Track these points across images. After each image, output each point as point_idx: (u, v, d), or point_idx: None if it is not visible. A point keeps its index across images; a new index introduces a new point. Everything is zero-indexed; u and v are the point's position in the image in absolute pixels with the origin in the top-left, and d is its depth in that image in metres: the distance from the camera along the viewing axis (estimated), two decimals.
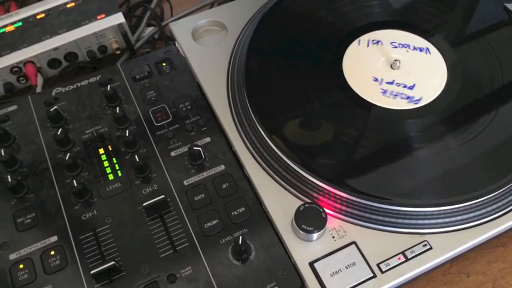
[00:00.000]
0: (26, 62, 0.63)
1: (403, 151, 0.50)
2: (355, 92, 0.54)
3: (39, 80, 0.63)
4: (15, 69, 0.63)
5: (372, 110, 0.53)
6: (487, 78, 0.56)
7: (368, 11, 0.61)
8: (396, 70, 0.56)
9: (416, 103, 0.53)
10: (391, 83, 0.55)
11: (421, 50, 0.58)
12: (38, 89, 0.63)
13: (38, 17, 0.66)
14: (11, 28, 0.66)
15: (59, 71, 0.65)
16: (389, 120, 0.53)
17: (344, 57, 0.58)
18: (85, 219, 0.48)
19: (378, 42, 0.59)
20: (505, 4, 0.61)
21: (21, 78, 0.64)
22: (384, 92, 0.54)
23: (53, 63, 0.65)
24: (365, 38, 0.59)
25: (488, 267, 0.51)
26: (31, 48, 0.63)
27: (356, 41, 0.59)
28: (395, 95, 0.54)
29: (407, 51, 0.58)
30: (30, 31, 0.65)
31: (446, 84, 0.55)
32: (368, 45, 0.58)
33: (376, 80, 0.56)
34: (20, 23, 0.66)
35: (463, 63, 0.57)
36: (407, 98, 0.54)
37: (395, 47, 0.58)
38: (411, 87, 0.55)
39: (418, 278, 0.46)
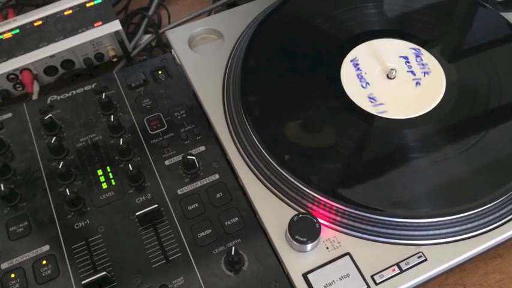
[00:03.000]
0: (23, 69, 0.63)
1: (398, 161, 0.50)
2: (353, 101, 0.54)
3: (36, 88, 0.63)
4: (12, 77, 0.63)
5: (369, 120, 0.53)
6: (484, 87, 0.55)
7: (365, 20, 0.61)
8: (392, 80, 0.56)
9: (391, 115, 0.53)
10: (379, 89, 0.55)
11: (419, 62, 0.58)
12: (34, 97, 0.63)
13: (36, 24, 0.67)
14: (8, 35, 0.66)
15: (56, 78, 0.65)
16: (386, 130, 0.52)
17: (342, 66, 0.57)
18: (78, 229, 0.48)
19: (377, 48, 0.59)
20: (501, 13, 0.61)
21: (18, 85, 0.64)
22: (369, 96, 0.55)
23: (50, 70, 0.65)
24: (363, 45, 0.59)
25: (485, 278, 0.51)
26: (28, 56, 0.63)
27: (354, 48, 0.59)
28: (374, 100, 0.54)
29: (405, 62, 0.58)
30: (27, 38, 0.65)
31: (444, 94, 0.55)
32: (366, 53, 0.58)
33: (367, 82, 0.56)
34: (18, 30, 0.66)
35: (460, 73, 0.56)
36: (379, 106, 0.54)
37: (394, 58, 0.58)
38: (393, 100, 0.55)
39: None
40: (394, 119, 0.53)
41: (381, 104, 0.54)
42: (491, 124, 0.52)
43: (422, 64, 0.57)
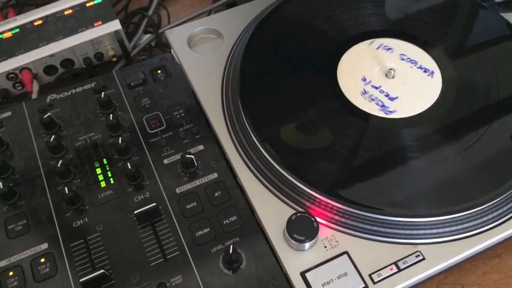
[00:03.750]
0: (22, 69, 0.63)
1: (396, 160, 0.50)
2: (350, 101, 0.54)
3: (35, 87, 0.63)
4: (11, 76, 0.63)
5: (367, 119, 0.53)
6: (482, 87, 0.55)
7: (363, 20, 0.61)
8: (390, 79, 0.56)
9: (387, 114, 0.53)
10: (376, 87, 0.55)
11: (414, 63, 0.58)
12: (34, 96, 0.63)
13: (36, 23, 0.67)
14: (8, 34, 0.66)
15: (55, 77, 0.65)
16: (384, 129, 0.52)
17: (339, 66, 0.57)
18: (76, 227, 0.48)
19: (376, 47, 0.59)
20: (501, 14, 0.61)
21: (17, 84, 0.64)
22: (364, 92, 0.55)
23: (49, 70, 0.65)
24: (361, 45, 0.59)
25: (483, 278, 0.51)
26: (27, 55, 0.63)
27: (352, 48, 0.59)
28: (372, 99, 0.54)
29: (403, 61, 0.58)
30: (27, 37, 0.65)
31: (441, 93, 0.55)
32: (364, 53, 0.58)
33: (364, 79, 0.56)
34: (18, 30, 0.66)
35: (459, 72, 0.56)
36: (382, 106, 0.54)
37: (392, 58, 0.58)
38: (392, 99, 0.55)
39: None
40: (391, 118, 0.53)
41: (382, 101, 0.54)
42: (489, 124, 0.52)
43: (424, 68, 0.57)
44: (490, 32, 0.60)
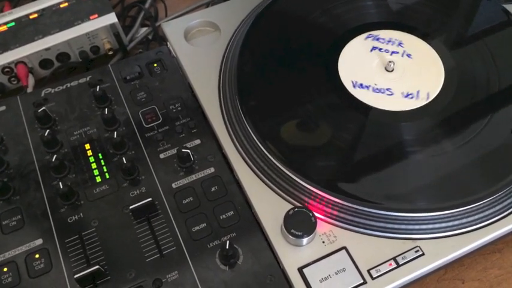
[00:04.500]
0: (18, 63, 0.62)
1: (396, 154, 0.49)
2: (351, 93, 0.53)
3: (31, 81, 0.63)
4: (7, 70, 0.62)
5: (367, 112, 0.52)
6: (483, 81, 0.54)
7: (362, 12, 0.60)
8: (391, 72, 0.55)
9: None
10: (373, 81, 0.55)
11: (409, 55, 0.57)
12: (29, 90, 0.62)
13: (31, 17, 0.66)
14: (3, 28, 0.65)
15: (51, 71, 0.65)
16: (383, 123, 0.52)
17: (339, 58, 0.56)
18: (71, 222, 0.48)
19: (375, 39, 0.58)
20: (504, 5, 0.60)
21: (13, 78, 0.63)
22: (362, 85, 0.54)
23: (45, 63, 0.64)
24: (360, 38, 0.58)
25: (484, 273, 0.50)
26: (23, 48, 0.63)
27: (359, 37, 0.58)
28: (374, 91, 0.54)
29: (403, 53, 0.57)
30: (23, 31, 0.64)
31: (443, 87, 0.54)
32: (363, 46, 0.57)
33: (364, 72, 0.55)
34: (13, 23, 0.65)
35: (460, 65, 0.56)
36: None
37: (391, 50, 0.57)
38: (392, 92, 0.54)
39: (411, 284, 0.45)
40: (391, 111, 0.52)
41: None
42: (489, 118, 0.52)
43: (424, 61, 0.56)
44: (492, 23, 0.59)
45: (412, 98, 0.53)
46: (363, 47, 0.57)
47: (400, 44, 0.57)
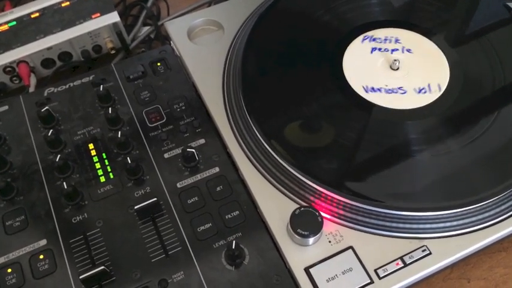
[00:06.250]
0: (19, 62, 0.62)
1: (402, 153, 0.49)
2: (357, 92, 0.53)
3: (33, 80, 0.62)
4: (8, 69, 0.62)
5: (372, 110, 0.52)
6: (488, 79, 0.54)
7: (367, 10, 0.60)
8: (396, 71, 0.55)
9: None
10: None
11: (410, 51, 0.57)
12: (31, 89, 0.62)
13: (33, 16, 0.66)
14: (5, 27, 0.65)
15: (53, 71, 0.64)
16: (389, 122, 0.51)
17: (344, 57, 0.56)
18: (75, 223, 0.47)
19: (372, 40, 0.57)
20: (507, 3, 0.60)
21: (15, 78, 0.63)
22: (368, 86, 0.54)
23: (47, 63, 0.64)
24: (365, 37, 0.58)
25: (489, 272, 0.50)
26: (25, 48, 0.62)
27: (356, 40, 0.58)
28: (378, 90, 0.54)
29: (402, 48, 0.57)
30: (24, 30, 0.64)
31: (448, 85, 0.54)
32: (363, 49, 0.57)
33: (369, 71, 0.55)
34: (14, 22, 0.65)
35: (464, 64, 0.55)
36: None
37: (391, 48, 0.57)
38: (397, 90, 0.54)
39: (417, 283, 0.45)
40: (397, 110, 0.52)
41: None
42: (495, 117, 0.51)
43: (429, 59, 0.56)
44: (495, 21, 0.59)
45: (425, 92, 0.52)
46: (362, 50, 0.57)
47: (397, 41, 0.57)
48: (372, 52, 0.57)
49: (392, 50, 0.57)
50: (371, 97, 0.53)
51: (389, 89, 0.53)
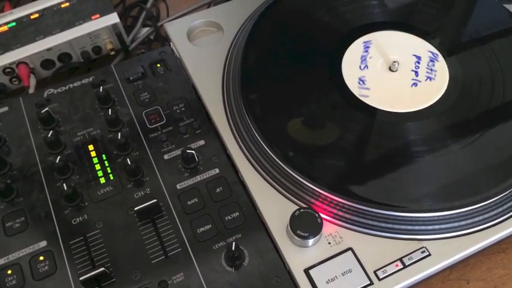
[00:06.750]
0: (19, 63, 0.62)
1: (401, 155, 0.49)
2: (355, 94, 0.53)
3: (32, 81, 0.62)
4: (8, 70, 0.62)
5: (371, 113, 0.52)
6: (487, 81, 0.54)
7: (367, 11, 0.60)
8: (394, 72, 0.55)
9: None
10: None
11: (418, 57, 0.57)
12: (31, 90, 0.62)
13: (32, 17, 0.65)
14: (4, 28, 0.65)
15: (53, 72, 0.64)
16: (388, 123, 0.51)
17: (343, 58, 0.56)
18: (75, 224, 0.47)
19: (371, 42, 0.58)
20: (505, 5, 0.60)
21: (14, 79, 0.63)
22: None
23: (47, 64, 0.64)
24: (364, 38, 0.58)
25: (488, 273, 0.50)
26: (24, 49, 0.62)
27: (355, 42, 0.58)
28: None
29: (407, 54, 0.57)
30: (24, 31, 0.64)
31: (448, 87, 0.54)
32: (367, 46, 0.57)
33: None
34: (14, 23, 0.65)
35: (464, 66, 0.56)
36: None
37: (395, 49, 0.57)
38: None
39: (417, 284, 0.45)
40: (396, 112, 0.52)
41: (367, 88, 0.54)
42: (495, 118, 0.52)
43: (431, 69, 0.55)
44: (495, 24, 0.59)
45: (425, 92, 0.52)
46: (362, 51, 0.57)
47: (406, 46, 0.57)
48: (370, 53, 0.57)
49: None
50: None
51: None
